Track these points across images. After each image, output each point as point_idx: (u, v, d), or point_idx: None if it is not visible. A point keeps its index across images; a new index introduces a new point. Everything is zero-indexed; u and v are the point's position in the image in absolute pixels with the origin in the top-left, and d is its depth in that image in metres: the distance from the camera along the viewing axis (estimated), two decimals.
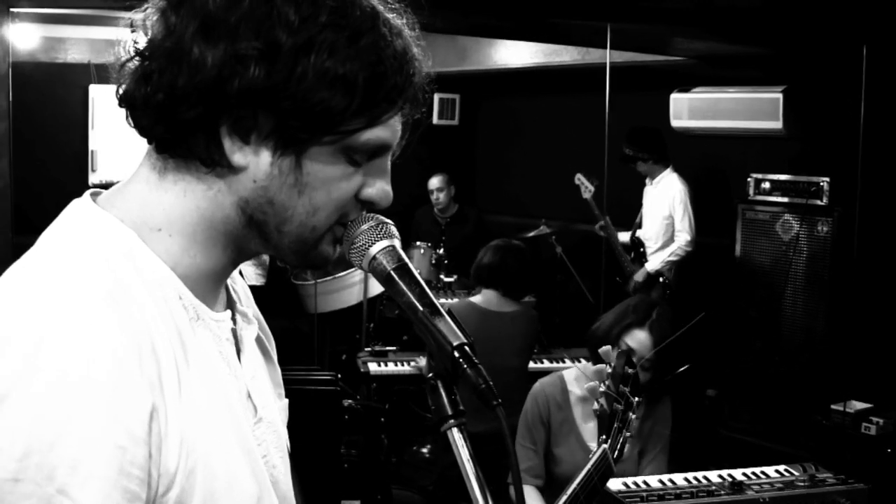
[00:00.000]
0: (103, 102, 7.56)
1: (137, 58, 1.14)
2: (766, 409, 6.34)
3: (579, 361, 5.95)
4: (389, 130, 1.18)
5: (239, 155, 1.14)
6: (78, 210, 1.18)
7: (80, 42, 7.75)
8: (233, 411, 1.20)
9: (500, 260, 5.01)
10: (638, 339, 3.33)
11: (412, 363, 5.87)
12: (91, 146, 7.66)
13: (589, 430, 3.34)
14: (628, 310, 3.43)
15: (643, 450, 3.47)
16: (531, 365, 5.49)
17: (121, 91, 1.16)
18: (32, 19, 6.37)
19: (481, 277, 5.08)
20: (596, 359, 3.41)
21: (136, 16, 1.15)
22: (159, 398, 1.05)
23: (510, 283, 5.04)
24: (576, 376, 3.50)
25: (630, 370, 2.58)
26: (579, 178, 7.13)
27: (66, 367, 0.99)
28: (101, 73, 7.54)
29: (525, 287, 5.30)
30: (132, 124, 1.16)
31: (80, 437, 0.99)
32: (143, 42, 1.14)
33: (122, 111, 1.17)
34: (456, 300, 6.29)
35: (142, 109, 1.14)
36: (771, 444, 6.18)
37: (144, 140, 1.19)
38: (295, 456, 1.41)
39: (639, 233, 6.96)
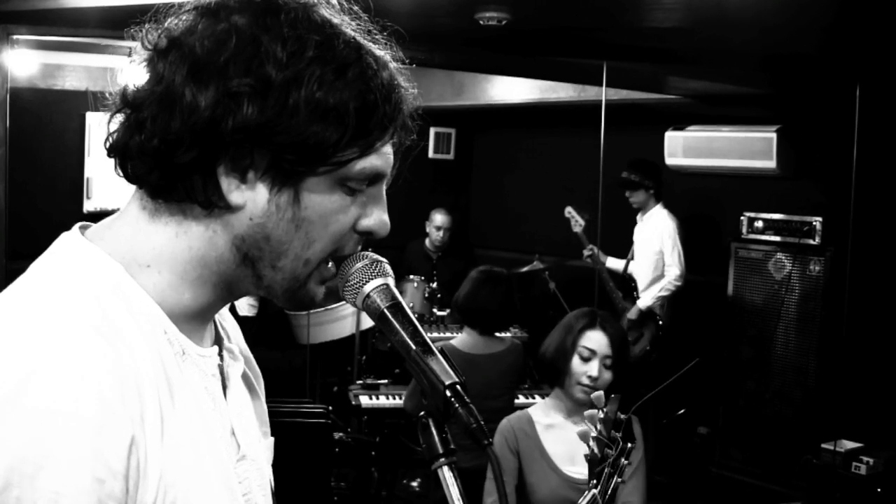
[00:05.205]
0: (100, 130, 7.53)
1: (127, 108, 1.15)
2: (757, 448, 6.33)
3: None
4: (383, 158, 1.20)
5: (236, 194, 1.14)
6: (66, 243, 1.18)
7: (77, 69, 7.74)
8: (216, 448, 1.19)
9: (473, 297, 4.72)
10: (594, 339, 3.36)
11: (402, 397, 5.83)
12: (87, 173, 7.64)
13: (558, 455, 3.33)
14: (571, 320, 3.47)
15: None
16: (520, 400, 5.45)
17: (111, 141, 1.17)
18: (31, 46, 6.36)
19: (459, 314, 4.86)
20: (552, 382, 3.49)
21: (122, 66, 1.16)
22: (140, 433, 1.05)
23: (487, 320, 4.74)
24: (540, 407, 3.51)
25: (622, 416, 2.57)
26: (569, 212, 7.16)
27: (51, 403, 1.00)
28: (99, 101, 7.53)
29: (506, 320, 5.02)
30: (124, 174, 1.17)
31: (61, 472, 0.99)
32: (131, 92, 1.15)
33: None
34: (448, 334, 6.28)
35: (137, 158, 1.14)
36: (762, 482, 6.17)
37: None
38: (285, 488, 1.40)
39: (630, 267, 6.97)
